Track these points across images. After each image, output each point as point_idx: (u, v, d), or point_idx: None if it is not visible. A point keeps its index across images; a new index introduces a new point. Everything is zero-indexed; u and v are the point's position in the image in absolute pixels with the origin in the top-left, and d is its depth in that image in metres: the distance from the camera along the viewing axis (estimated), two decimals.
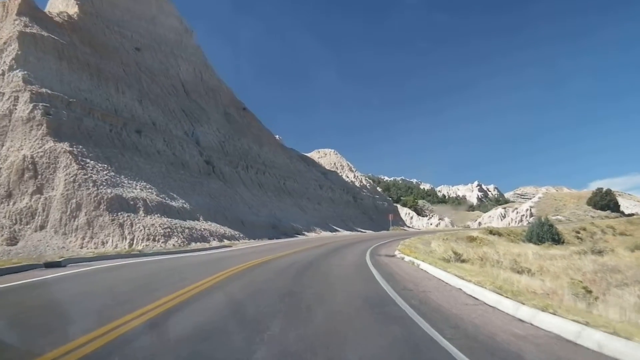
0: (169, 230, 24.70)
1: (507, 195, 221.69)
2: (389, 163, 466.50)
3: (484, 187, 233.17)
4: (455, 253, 14.65)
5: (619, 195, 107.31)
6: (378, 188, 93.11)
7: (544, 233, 47.85)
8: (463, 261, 14.29)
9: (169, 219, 26.01)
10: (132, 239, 23.51)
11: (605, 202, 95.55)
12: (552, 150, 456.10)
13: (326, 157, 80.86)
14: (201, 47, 68.72)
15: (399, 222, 74.16)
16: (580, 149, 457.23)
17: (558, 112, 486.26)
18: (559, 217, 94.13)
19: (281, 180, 53.04)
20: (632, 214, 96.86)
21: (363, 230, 54.74)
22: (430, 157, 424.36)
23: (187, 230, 25.62)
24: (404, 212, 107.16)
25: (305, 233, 42.12)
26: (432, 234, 41.21)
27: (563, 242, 51.65)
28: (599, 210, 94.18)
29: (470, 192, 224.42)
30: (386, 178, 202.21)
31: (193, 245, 23.98)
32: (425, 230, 70.52)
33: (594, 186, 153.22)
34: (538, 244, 46.00)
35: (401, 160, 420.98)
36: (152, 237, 23.81)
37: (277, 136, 77.71)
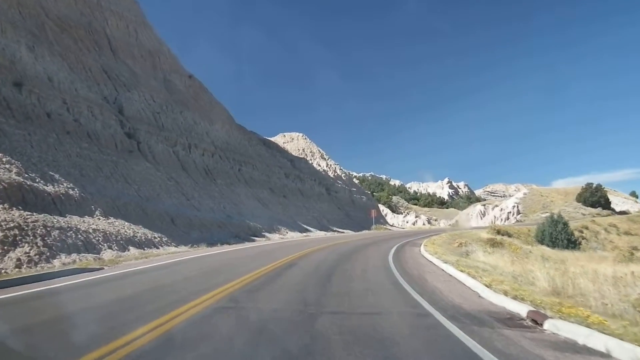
0: (18, 232, 14.16)
1: (477, 192, 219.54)
2: (357, 158, 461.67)
3: (454, 184, 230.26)
4: None
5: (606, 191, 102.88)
6: (355, 179, 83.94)
7: (557, 233, 40.21)
8: None
9: (25, 213, 15.44)
10: None
11: (596, 198, 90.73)
12: (518, 149, 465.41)
13: (293, 142, 70.59)
14: (139, 4, 57.49)
15: (380, 219, 65.20)
16: (544, 148, 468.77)
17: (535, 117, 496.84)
18: (548, 214, 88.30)
19: (235, 166, 42.69)
20: (624, 212, 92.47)
21: (341, 230, 45.26)
22: (400, 153, 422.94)
23: (55, 234, 15.13)
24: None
25: (266, 234, 32.15)
26: (433, 235, 32.30)
27: (580, 244, 44.43)
28: (589, 208, 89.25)
29: (440, 189, 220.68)
30: (354, 173, 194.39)
31: (59, 261, 13.71)
32: (412, 229, 62.02)
33: (556, 184, 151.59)
34: (551, 247, 38.53)
35: (370, 156, 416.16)
36: None
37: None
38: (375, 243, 22.92)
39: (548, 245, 38.52)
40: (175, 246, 20.80)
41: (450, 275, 9.36)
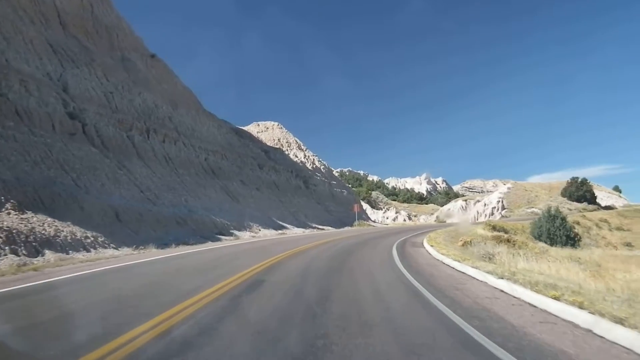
0: None
1: (455, 188, 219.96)
2: (333, 153, 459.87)
3: (432, 179, 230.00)
4: None
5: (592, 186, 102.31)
6: (335, 172, 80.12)
7: (555, 229, 37.74)
8: None
9: None
10: None
11: (582, 193, 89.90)
12: (496, 146, 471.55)
13: (268, 132, 66.20)
14: None
15: (362, 215, 61.60)
16: (521, 145, 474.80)
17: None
18: (534, 209, 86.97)
19: (202, 155, 38.34)
20: (609, 206, 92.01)
21: (320, 227, 41.52)
22: (379, 148, 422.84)
23: None
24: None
25: (236, 232, 28.11)
26: (424, 231, 29.02)
27: (579, 240, 41.97)
28: (575, 202, 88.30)
29: (418, 185, 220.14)
30: (331, 169, 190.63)
31: None
32: (396, 226, 58.70)
33: (531, 180, 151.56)
34: (549, 244, 36.02)
35: (347, 151, 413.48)
36: None
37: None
38: (367, 242, 19.28)
39: (546, 242, 36.08)
40: (116, 248, 16.64)
41: (537, 308, 5.54)
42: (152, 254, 15.01)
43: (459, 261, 9.69)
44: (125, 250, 16.56)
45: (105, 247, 16.28)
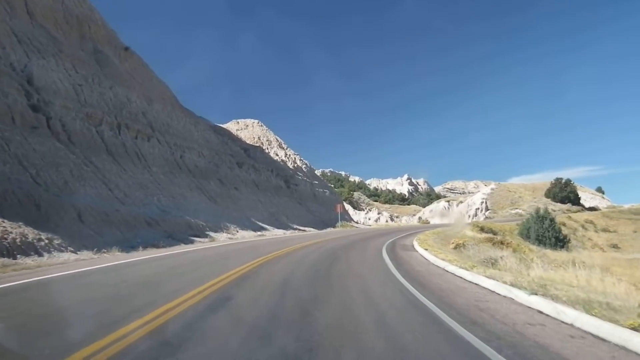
0: None
1: (437, 189, 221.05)
2: (314, 153, 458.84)
3: (413, 180, 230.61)
4: None
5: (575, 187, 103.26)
6: (317, 172, 78.78)
7: (544, 231, 37.28)
8: None
9: None
10: None
11: (565, 194, 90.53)
12: (476, 146, 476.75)
13: (247, 130, 64.47)
14: None
15: (345, 216, 60.43)
16: (500, 146, 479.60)
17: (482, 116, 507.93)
18: (519, 210, 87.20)
19: (177, 152, 36.64)
20: (593, 207, 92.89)
21: (302, 228, 40.21)
22: (360, 149, 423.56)
23: None
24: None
25: (212, 234, 26.62)
26: (411, 233, 28.07)
27: (569, 242, 41.61)
28: (559, 203, 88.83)
29: (400, 186, 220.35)
30: (313, 168, 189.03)
31: None
32: (380, 227, 57.82)
33: (511, 182, 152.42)
34: (537, 245, 35.55)
35: (328, 151, 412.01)
36: None
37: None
38: (354, 245, 18.12)
39: (534, 244, 35.57)
40: (74, 251, 15.06)
41: (611, 344, 4.16)
42: (112, 259, 13.52)
43: (466, 269, 8.38)
44: (85, 254, 15.01)
45: (62, 251, 14.70)
